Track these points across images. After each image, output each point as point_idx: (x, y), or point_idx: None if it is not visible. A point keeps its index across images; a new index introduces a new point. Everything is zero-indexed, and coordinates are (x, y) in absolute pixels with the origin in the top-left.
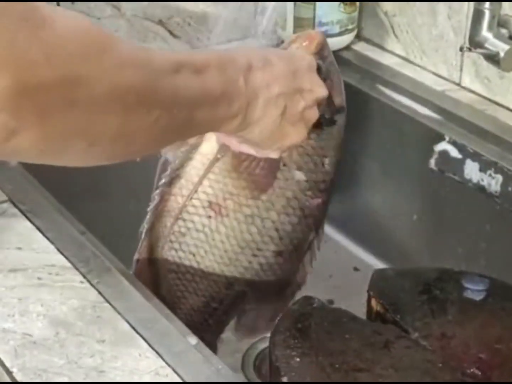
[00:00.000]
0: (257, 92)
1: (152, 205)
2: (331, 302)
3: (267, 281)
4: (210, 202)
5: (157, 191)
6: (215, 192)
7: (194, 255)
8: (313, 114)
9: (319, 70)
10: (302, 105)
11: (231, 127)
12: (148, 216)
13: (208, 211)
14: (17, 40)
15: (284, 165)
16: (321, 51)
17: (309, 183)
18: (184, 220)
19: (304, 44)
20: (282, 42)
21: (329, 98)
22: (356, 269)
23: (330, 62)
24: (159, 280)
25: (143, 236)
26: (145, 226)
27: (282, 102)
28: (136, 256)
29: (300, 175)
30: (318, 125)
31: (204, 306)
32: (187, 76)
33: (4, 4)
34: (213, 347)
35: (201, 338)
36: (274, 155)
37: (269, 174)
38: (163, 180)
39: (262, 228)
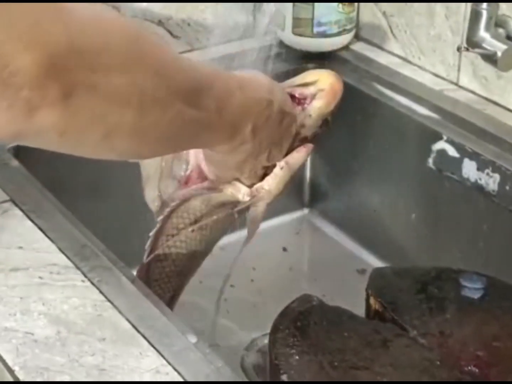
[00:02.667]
0: (260, 139)
1: (153, 230)
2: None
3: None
4: (196, 220)
5: (160, 217)
6: (202, 214)
7: (173, 261)
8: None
9: (327, 124)
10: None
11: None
12: (149, 240)
13: (193, 226)
14: (41, 21)
15: None
16: (336, 107)
17: None
18: (172, 235)
19: (327, 101)
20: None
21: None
22: (354, 267)
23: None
24: None
25: (144, 259)
26: (146, 249)
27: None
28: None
29: None
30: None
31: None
32: (207, 101)
33: None
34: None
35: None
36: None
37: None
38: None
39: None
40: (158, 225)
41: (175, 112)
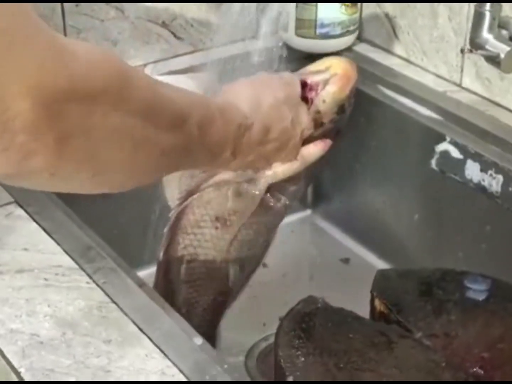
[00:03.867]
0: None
1: (167, 226)
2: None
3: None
4: (217, 217)
5: (172, 211)
6: (221, 209)
7: (204, 262)
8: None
9: (343, 111)
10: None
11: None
12: (164, 237)
13: (215, 223)
14: (46, 65)
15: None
16: (353, 92)
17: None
18: (195, 234)
19: (341, 85)
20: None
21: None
22: (356, 268)
23: (352, 97)
24: (175, 293)
25: (160, 257)
26: (161, 247)
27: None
28: (155, 278)
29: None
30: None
31: (212, 302)
32: (190, 130)
33: (30, 34)
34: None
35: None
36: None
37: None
38: (177, 202)
39: (257, 229)
40: (171, 221)
41: (164, 145)
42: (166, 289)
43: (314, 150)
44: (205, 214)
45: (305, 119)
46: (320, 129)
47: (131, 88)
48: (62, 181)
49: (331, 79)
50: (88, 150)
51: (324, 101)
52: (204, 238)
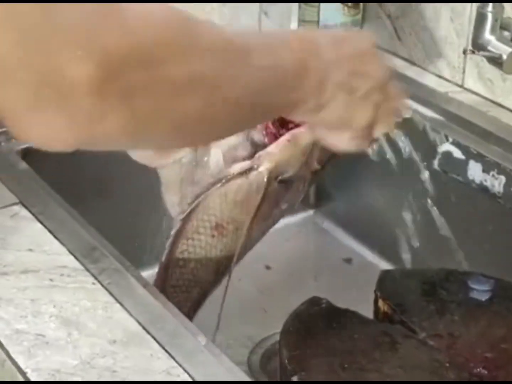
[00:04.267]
0: (328, 72)
1: (174, 229)
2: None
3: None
4: (216, 224)
5: (180, 215)
6: (222, 216)
7: (192, 269)
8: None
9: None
10: (368, 86)
11: (304, 109)
12: (169, 239)
13: (213, 231)
14: (97, 25)
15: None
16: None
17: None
18: (193, 239)
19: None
20: None
21: None
22: (359, 269)
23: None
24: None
25: (162, 259)
26: (165, 250)
27: (351, 82)
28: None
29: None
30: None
31: (192, 304)
32: (261, 57)
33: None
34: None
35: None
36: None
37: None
38: (177, 209)
39: (251, 239)
40: (178, 225)
41: (243, 83)
42: (160, 290)
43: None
44: (206, 220)
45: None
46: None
47: (190, 35)
48: (143, 139)
49: None
50: (159, 104)
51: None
52: (200, 244)
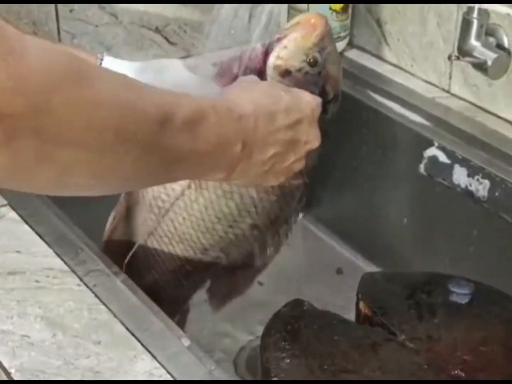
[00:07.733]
0: (252, 154)
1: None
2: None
3: (241, 250)
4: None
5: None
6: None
7: (172, 220)
8: (299, 166)
9: (315, 63)
10: (291, 160)
11: (214, 178)
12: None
13: (190, 181)
14: None
15: None
16: (320, 42)
17: None
18: (165, 187)
19: (303, 33)
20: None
21: (323, 89)
22: (347, 272)
23: (329, 52)
24: (135, 242)
25: (121, 199)
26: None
27: (273, 161)
28: (110, 218)
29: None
30: None
31: (179, 268)
32: (177, 128)
33: None
34: (185, 307)
35: (173, 297)
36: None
37: None
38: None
39: (240, 203)
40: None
41: (141, 148)
42: (123, 234)
43: None
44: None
45: (313, 140)
46: (287, 77)
47: (89, 91)
48: (23, 180)
49: (293, 27)
50: (44, 151)
51: (285, 47)
52: (175, 194)
